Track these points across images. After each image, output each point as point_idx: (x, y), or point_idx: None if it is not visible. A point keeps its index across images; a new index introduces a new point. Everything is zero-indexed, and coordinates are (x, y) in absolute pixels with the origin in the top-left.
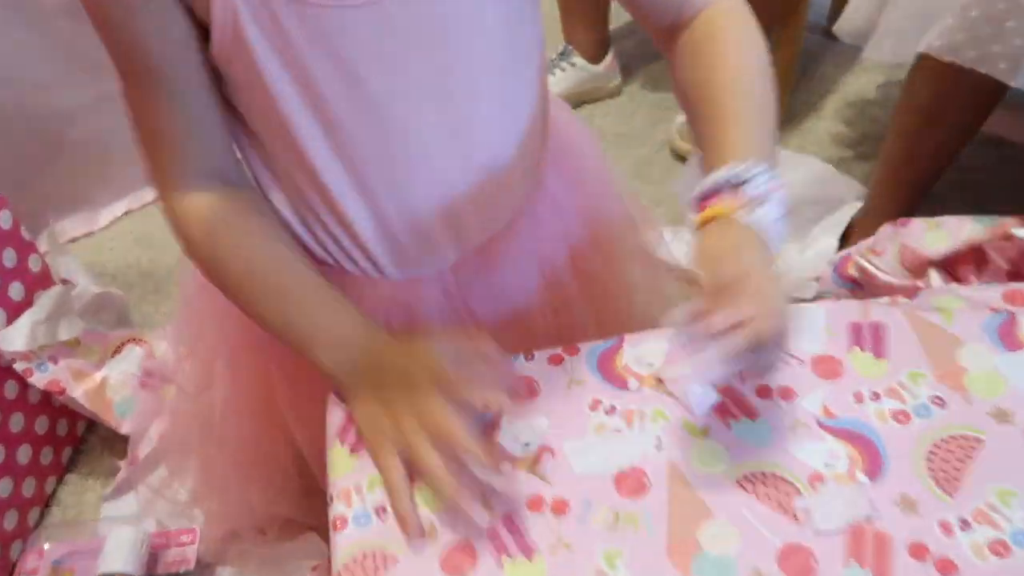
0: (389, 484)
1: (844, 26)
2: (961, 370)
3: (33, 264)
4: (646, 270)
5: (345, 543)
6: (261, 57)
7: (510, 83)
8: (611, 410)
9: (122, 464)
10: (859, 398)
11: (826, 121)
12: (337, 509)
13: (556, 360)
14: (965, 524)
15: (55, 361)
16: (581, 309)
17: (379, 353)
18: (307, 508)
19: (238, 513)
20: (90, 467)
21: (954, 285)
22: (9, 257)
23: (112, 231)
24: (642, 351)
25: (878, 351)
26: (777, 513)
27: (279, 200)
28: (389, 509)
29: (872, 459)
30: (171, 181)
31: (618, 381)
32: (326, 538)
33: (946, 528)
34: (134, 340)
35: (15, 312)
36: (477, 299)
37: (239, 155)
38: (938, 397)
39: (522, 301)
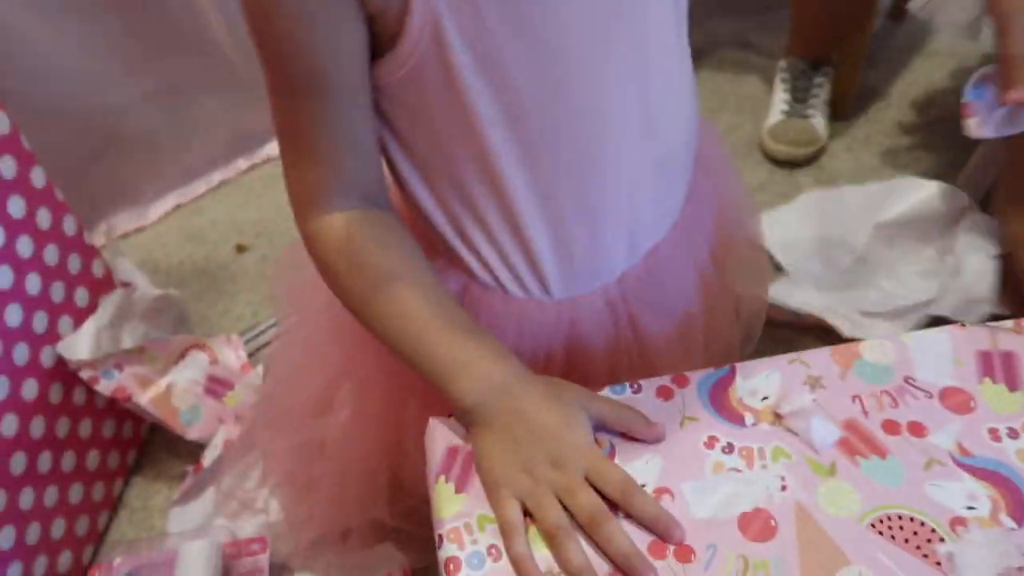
0: (506, 527)
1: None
2: None
3: (96, 269)
4: (751, 274)
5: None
6: (459, 61)
7: (685, 63)
8: (728, 448)
9: (188, 470)
10: (995, 435)
11: (893, 109)
12: (449, 550)
13: (666, 393)
14: None
15: (120, 368)
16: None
17: (522, 397)
18: (395, 513)
19: (328, 519)
20: (156, 470)
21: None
22: (74, 264)
23: (162, 226)
24: (755, 383)
25: (1012, 383)
26: (918, 560)
27: (440, 224)
28: (502, 549)
29: (1016, 502)
30: (315, 198)
31: (734, 417)
32: (402, 547)
33: None
34: (197, 346)
35: (81, 318)
36: (641, 308)
37: (391, 179)
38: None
39: (683, 308)
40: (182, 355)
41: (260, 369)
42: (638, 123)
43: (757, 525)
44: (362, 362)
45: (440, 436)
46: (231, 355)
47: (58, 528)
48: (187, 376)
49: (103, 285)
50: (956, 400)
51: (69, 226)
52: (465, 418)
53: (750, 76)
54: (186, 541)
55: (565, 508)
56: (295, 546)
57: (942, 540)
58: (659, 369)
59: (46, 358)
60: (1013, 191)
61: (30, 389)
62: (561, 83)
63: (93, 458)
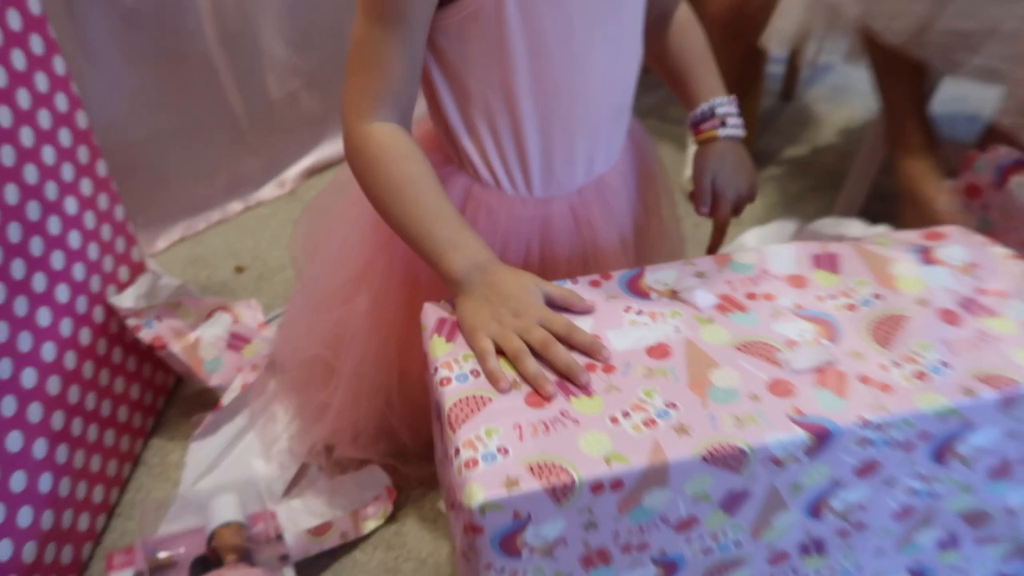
0: (481, 354)
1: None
2: (893, 277)
3: (135, 254)
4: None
5: (451, 393)
6: (508, 11)
7: (639, 28)
8: (639, 312)
9: (208, 415)
10: (820, 298)
11: (783, 166)
12: (442, 373)
13: (595, 284)
14: (896, 364)
15: (159, 319)
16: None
17: (494, 274)
18: (399, 416)
19: (344, 413)
20: (171, 432)
21: (884, 228)
22: (120, 245)
23: (169, 253)
24: (659, 276)
25: (833, 270)
26: (764, 362)
27: (461, 135)
28: (480, 372)
29: (831, 331)
30: (371, 104)
31: (643, 295)
32: (389, 470)
33: (883, 367)
34: (223, 307)
35: (122, 288)
36: (596, 217)
37: (429, 101)
38: (877, 294)
39: (620, 226)
40: (210, 314)
41: (274, 327)
42: (609, 76)
43: (658, 351)
44: (381, 264)
45: (432, 312)
46: (250, 316)
47: (95, 463)
48: (213, 332)
49: (139, 267)
50: (795, 281)
51: (119, 213)
52: (453, 287)
53: (667, 141)
54: (213, 497)
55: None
56: (311, 445)
57: (779, 351)
58: (603, 270)
59: (98, 314)
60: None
61: (85, 336)
62: (570, 36)
63: (123, 412)
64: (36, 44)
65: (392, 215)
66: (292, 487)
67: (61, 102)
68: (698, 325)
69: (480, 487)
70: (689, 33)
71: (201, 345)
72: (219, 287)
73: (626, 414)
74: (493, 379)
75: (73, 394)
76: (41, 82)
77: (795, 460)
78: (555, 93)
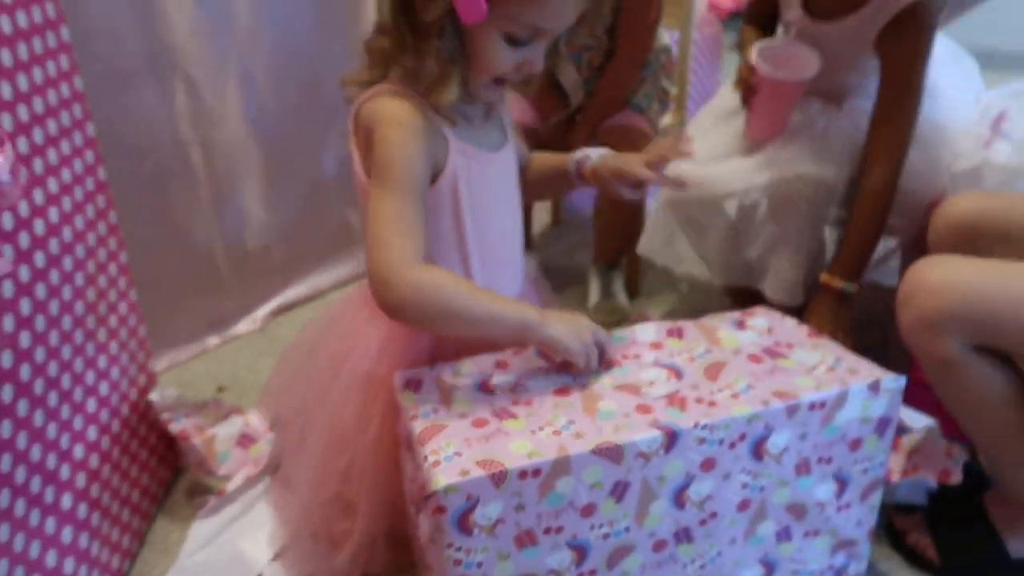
0: (575, 356)
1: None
2: (719, 339)
3: (151, 365)
4: None
5: (419, 424)
6: (462, 190)
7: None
8: (548, 369)
9: (211, 498)
10: (671, 355)
11: (669, 286)
12: (411, 412)
13: (517, 352)
14: (720, 390)
15: (187, 416)
16: None
17: (566, 315)
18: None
19: (365, 530)
20: (173, 514)
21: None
22: (142, 357)
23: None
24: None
25: (680, 337)
26: (633, 396)
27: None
28: (439, 408)
29: (678, 374)
30: (413, 257)
31: (550, 358)
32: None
33: (711, 393)
34: (237, 411)
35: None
36: None
37: None
38: (708, 350)
39: None
40: (226, 415)
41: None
42: (514, 223)
43: (561, 392)
44: (381, 400)
45: (401, 376)
46: (258, 421)
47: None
48: (227, 431)
49: (153, 377)
50: (655, 345)
51: (142, 331)
52: (536, 331)
53: (575, 278)
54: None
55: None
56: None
57: (643, 388)
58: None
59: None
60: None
61: (105, 441)
62: (494, 199)
63: (135, 494)
64: (91, 212)
65: (464, 324)
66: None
67: (110, 245)
68: (590, 375)
69: (443, 476)
70: (538, 158)
71: (217, 440)
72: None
73: (541, 428)
74: (581, 365)
75: (95, 489)
76: (93, 239)
77: (656, 455)
78: (489, 237)
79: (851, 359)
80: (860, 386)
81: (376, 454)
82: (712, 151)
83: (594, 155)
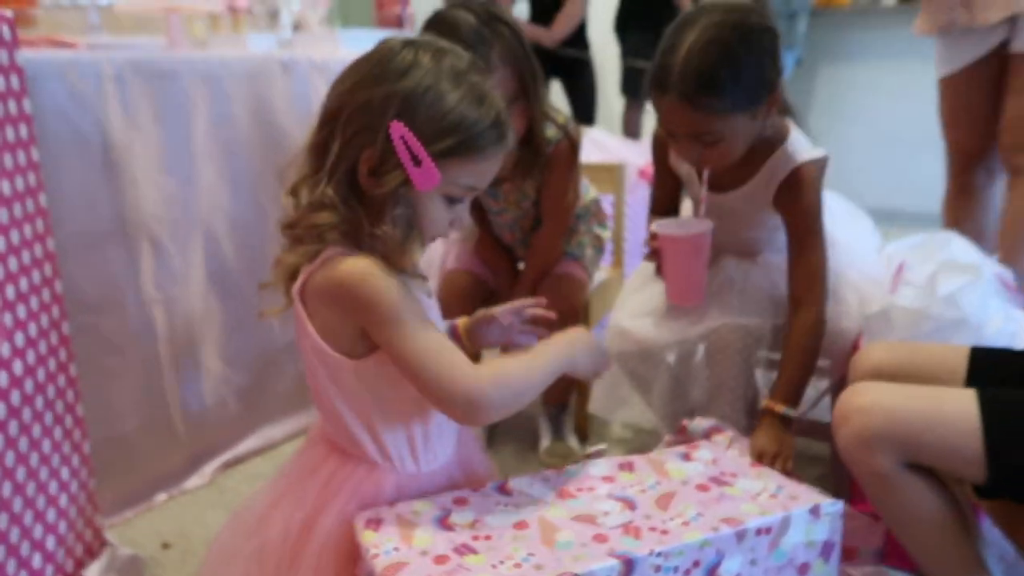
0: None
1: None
2: (667, 471)
3: (97, 520)
4: None
5: (381, 562)
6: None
7: None
8: (506, 504)
9: None
10: (623, 488)
11: (613, 427)
12: (372, 551)
13: (476, 488)
14: (671, 519)
15: None
16: None
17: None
18: None
19: None
20: None
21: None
22: (89, 510)
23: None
24: (519, 482)
25: (631, 470)
26: (590, 526)
27: (383, 434)
28: (400, 546)
29: (631, 505)
30: (469, 370)
31: (508, 493)
32: None
33: (663, 522)
34: None
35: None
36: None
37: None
38: (658, 481)
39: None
40: None
41: None
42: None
43: (520, 525)
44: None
45: (361, 517)
46: None
47: None
48: None
49: (100, 530)
50: (607, 479)
51: (92, 485)
52: (572, 364)
53: (525, 425)
54: None
55: None
56: None
57: (598, 518)
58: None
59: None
60: None
61: None
62: None
63: None
64: (53, 365)
65: (536, 388)
66: None
67: (68, 398)
68: (545, 508)
69: None
70: None
71: None
72: (149, 562)
73: (501, 562)
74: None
75: None
76: (52, 392)
77: None
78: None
79: (792, 486)
80: (802, 511)
81: None
82: (648, 304)
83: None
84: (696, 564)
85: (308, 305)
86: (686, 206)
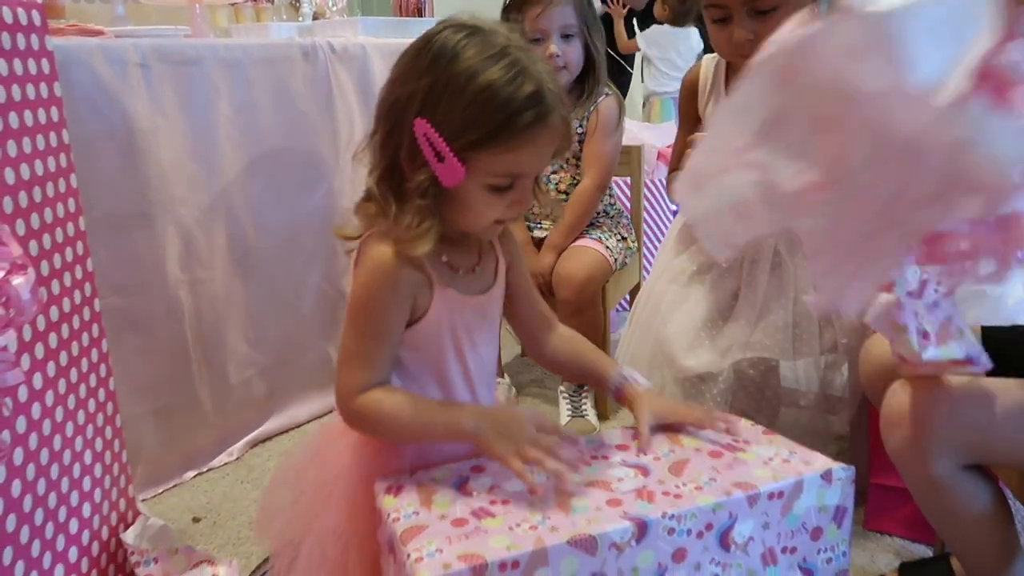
0: (517, 469)
1: None
2: (680, 439)
3: (131, 491)
4: None
5: (400, 525)
6: (444, 335)
7: (497, 330)
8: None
9: None
10: (637, 455)
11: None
12: (392, 515)
13: None
14: (684, 484)
15: (156, 562)
16: None
17: (491, 416)
18: None
19: None
20: None
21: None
22: (123, 481)
23: None
24: None
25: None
26: (604, 491)
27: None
28: (419, 511)
29: (645, 471)
30: (368, 385)
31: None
32: None
33: (677, 487)
34: (208, 561)
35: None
36: None
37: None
38: (672, 449)
39: None
40: (196, 564)
41: None
42: (489, 370)
43: (537, 490)
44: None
45: (382, 483)
46: (227, 573)
47: None
48: None
49: (133, 502)
50: (621, 447)
51: (125, 457)
52: (473, 439)
53: (549, 402)
54: None
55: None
56: None
57: (612, 484)
58: None
59: (112, 542)
60: None
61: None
62: (471, 333)
63: None
64: (86, 339)
65: (404, 436)
66: None
67: (101, 372)
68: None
69: (426, 571)
70: (573, 340)
71: None
72: (179, 535)
73: (518, 524)
74: (526, 480)
75: None
76: (85, 365)
77: (628, 545)
78: (465, 371)
79: (804, 452)
80: (814, 475)
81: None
82: (696, 322)
83: (640, 383)
84: (709, 527)
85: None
86: None
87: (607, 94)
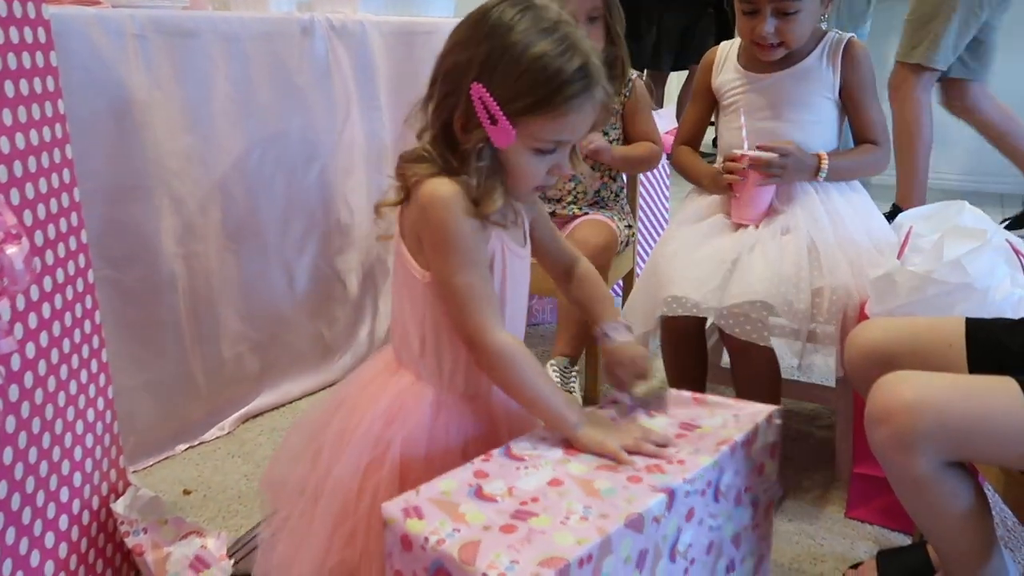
0: (615, 454)
1: None
2: (643, 424)
3: (122, 462)
4: None
5: (451, 546)
6: (497, 279)
7: (527, 283)
8: (525, 467)
9: None
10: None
11: None
12: (433, 539)
13: (486, 459)
14: (678, 453)
15: (145, 532)
16: None
17: (593, 415)
18: None
19: None
20: None
21: None
22: (114, 452)
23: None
24: (522, 445)
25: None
26: (617, 472)
27: (444, 357)
28: (458, 527)
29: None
30: (490, 323)
31: (519, 459)
32: None
33: (674, 456)
34: (197, 533)
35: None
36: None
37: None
38: (685, 427)
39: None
40: (185, 535)
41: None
42: (524, 303)
43: (554, 483)
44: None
45: (392, 507)
46: (215, 546)
47: None
48: (182, 551)
49: (123, 473)
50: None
51: (116, 427)
52: (571, 429)
53: None
54: None
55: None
56: None
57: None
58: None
59: (103, 512)
60: None
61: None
62: (513, 303)
63: None
64: (79, 311)
65: (519, 394)
66: None
67: (94, 343)
68: (564, 464)
69: None
70: (584, 284)
71: (170, 560)
72: (169, 507)
73: (567, 518)
74: (628, 459)
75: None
76: (78, 336)
77: (663, 516)
78: (504, 316)
79: (739, 404)
80: (762, 420)
81: (379, 518)
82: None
83: (620, 336)
84: (709, 484)
85: (403, 224)
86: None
87: (633, 75)
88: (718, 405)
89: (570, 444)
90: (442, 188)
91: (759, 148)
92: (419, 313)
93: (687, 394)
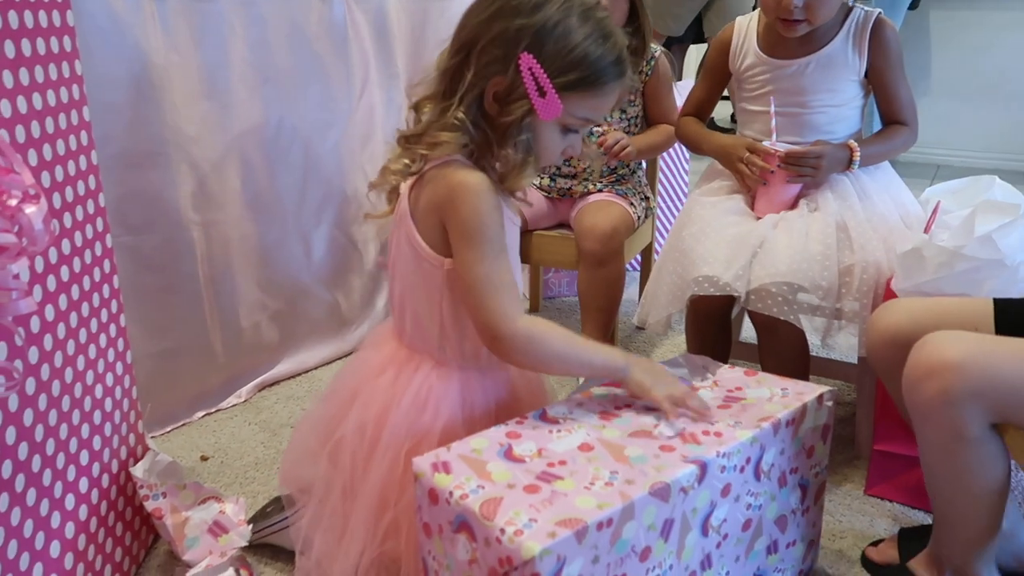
0: (660, 400)
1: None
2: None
3: (141, 427)
4: None
5: (474, 501)
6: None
7: None
8: (559, 431)
9: None
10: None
11: None
12: (458, 493)
13: (520, 421)
14: (715, 424)
15: (164, 496)
16: None
17: (642, 360)
18: None
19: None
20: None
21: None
22: (133, 416)
23: None
24: (557, 409)
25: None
26: (649, 439)
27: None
28: (483, 484)
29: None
30: (513, 311)
31: (553, 421)
32: None
33: (712, 427)
34: (216, 498)
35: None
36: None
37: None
38: (729, 399)
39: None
40: (204, 500)
41: (249, 527)
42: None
43: (585, 448)
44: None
45: (422, 462)
46: (233, 511)
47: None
48: (201, 516)
49: (142, 438)
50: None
51: (135, 392)
52: (621, 374)
53: None
54: None
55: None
56: None
57: (651, 431)
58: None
59: (122, 475)
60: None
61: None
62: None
63: (118, 552)
64: (97, 275)
65: (561, 367)
66: None
67: (112, 308)
68: (598, 430)
69: (533, 542)
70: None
71: (188, 524)
72: (187, 472)
73: (592, 483)
74: (672, 410)
75: (81, 540)
76: (97, 300)
77: (692, 488)
78: None
79: (790, 383)
80: (812, 400)
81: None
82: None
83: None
84: (748, 461)
85: (416, 205)
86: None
87: (657, 51)
88: (767, 381)
89: (607, 411)
90: (472, 177)
91: (789, 156)
92: (435, 298)
93: (739, 369)
